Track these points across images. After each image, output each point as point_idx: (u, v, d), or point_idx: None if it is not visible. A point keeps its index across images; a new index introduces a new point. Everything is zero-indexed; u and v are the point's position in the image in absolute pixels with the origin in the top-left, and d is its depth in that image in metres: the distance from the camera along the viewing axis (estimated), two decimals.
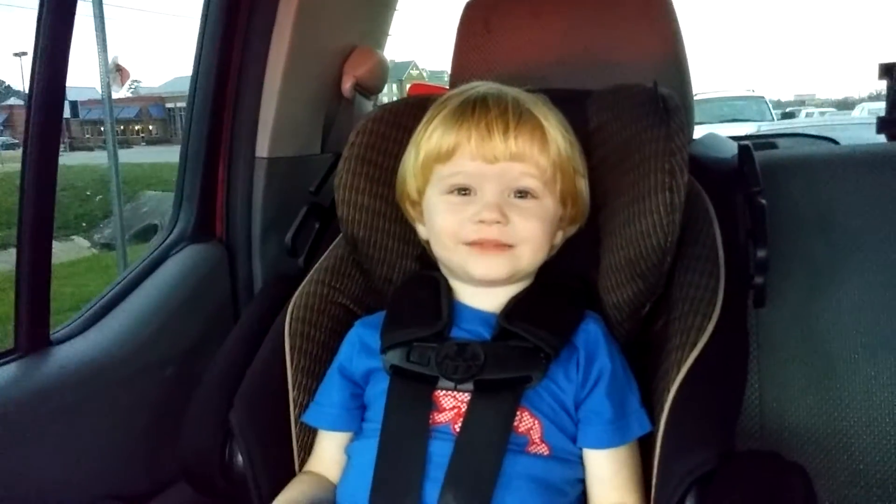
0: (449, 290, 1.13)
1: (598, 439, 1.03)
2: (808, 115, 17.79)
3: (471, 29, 1.58)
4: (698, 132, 1.62)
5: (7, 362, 1.22)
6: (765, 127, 8.46)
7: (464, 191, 1.08)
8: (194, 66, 1.62)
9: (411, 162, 1.14)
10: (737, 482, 0.91)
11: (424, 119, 1.14)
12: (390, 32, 2.00)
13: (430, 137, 1.10)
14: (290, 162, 1.70)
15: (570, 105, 1.19)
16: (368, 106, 1.93)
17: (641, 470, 1.04)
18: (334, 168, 1.26)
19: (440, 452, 0.99)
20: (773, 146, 2.28)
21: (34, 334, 1.26)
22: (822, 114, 17.31)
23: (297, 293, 1.26)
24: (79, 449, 1.26)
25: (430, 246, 1.16)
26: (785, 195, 1.34)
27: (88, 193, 10.74)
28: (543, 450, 1.02)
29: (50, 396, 1.22)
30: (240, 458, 1.14)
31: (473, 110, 1.08)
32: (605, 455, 1.03)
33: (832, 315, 1.29)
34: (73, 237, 9.96)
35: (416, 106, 1.23)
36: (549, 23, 1.54)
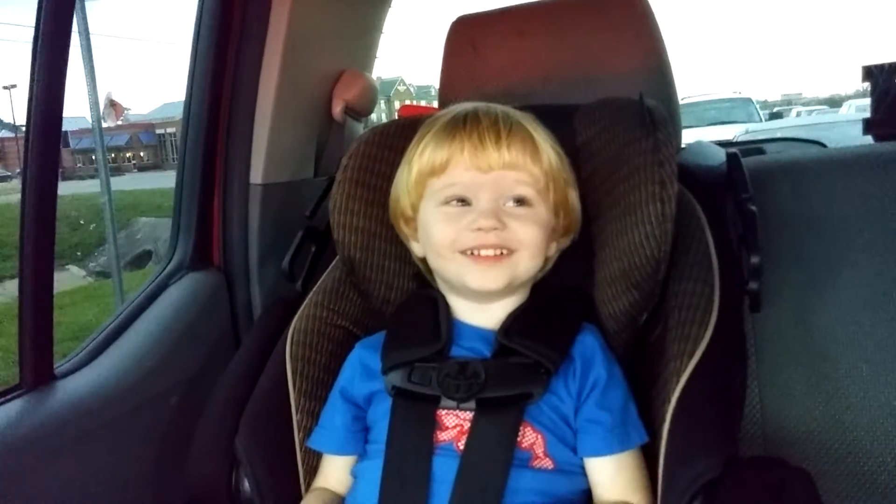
0: (447, 308, 1.14)
1: (595, 447, 1.04)
2: (798, 114, 17.84)
3: (458, 47, 1.60)
4: (687, 136, 1.64)
5: (13, 398, 1.22)
6: (752, 128, 8.48)
7: (460, 201, 1.09)
8: (186, 96, 1.63)
9: (404, 179, 1.15)
10: (742, 489, 0.91)
11: (415, 138, 1.16)
12: (378, 54, 2.02)
13: (423, 153, 1.12)
14: (284, 187, 1.70)
15: (557, 120, 1.21)
16: (359, 128, 1.94)
17: (646, 476, 1.04)
18: (328, 192, 1.27)
19: (445, 470, 1.00)
20: (761, 151, 2.30)
21: (39, 369, 1.26)
22: (810, 113, 17.36)
23: (296, 317, 1.27)
24: (86, 482, 1.26)
25: (427, 261, 1.17)
26: (774, 200, 1.35)
27: (82, 222, 10.72)
28: (548, 464, 1.03)
29: (57, 430, 1.22)
30: (247, 483, 1.14)
31: (465, 123, 1.10)
32: (604, 462, 1.04)
33: (828, 317, 1.30)
34: (69, 266, 9.93)
35: (407, 127, 1.25)
36: (534, 40, 1.56)
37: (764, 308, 1.17)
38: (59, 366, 1.33)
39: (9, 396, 1.22)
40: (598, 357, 1.08)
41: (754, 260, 1.13)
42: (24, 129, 1.21)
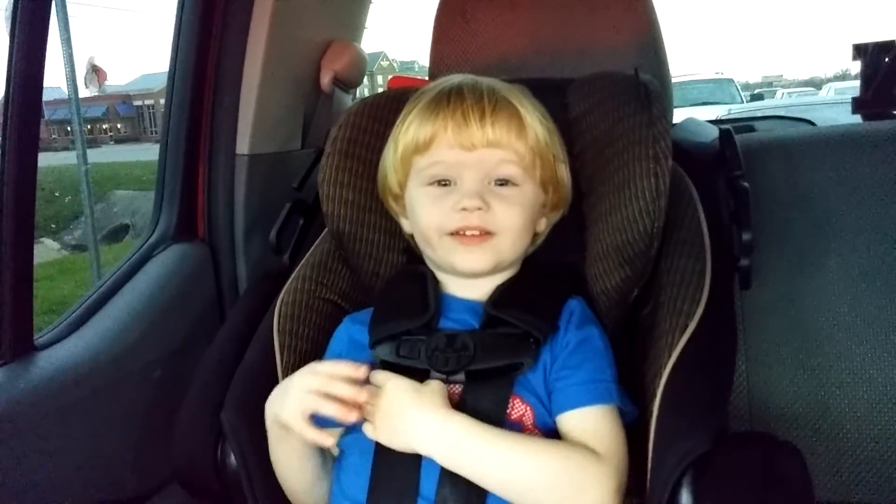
0: (435, 281, 1.14)
1: (559, 404, 1.01)
2: (782, 95, 17.94)
3: (449, 20, 1.57)
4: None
5: None
6: (735, 108, 8.50)
7: (444, 182, 1.08)
8: (171, 65, 1.60)
9: (391, 156, 1.14)
10: (732, 463, 0.91)
11: (402, 113, 1.14)
12: (366, 25, 2.00)
13: (408, 130, 1.11)
14: (271, 158, 1.68)
15: (550, 94, 1.20)
16: (347, 100, 1.92)
17: (615, 435, 1.00)
18: (316, 163, 1.25)
19: None
20: (752, 129, 2.30)
21: (18, 340, 1.24)
22: (790, 95, 17.49)
23: (283, 290, 1.25)
24: (67, 454, 1.24)
25: (415, 240, 1.16)
26: (765, 177, 1.35)
27: (57, 195, 10.60)
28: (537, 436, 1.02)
29: (37, 403, 1.20)
30: (233, 458, 1.13)
31: (449, 100, 1.09)
32: (566, 416, 1.01)
33: (815, 295, 1.31)
34: (43, 239, 9.82)
35: (396, 98, 1.23)
36: (527, 12, 1.54)
37: (753, 285, 1.17)
38: (39, 337, 1.31)
39: None
40: (574, 321, 1.07)
41: (746, 237, 1.13)
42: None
